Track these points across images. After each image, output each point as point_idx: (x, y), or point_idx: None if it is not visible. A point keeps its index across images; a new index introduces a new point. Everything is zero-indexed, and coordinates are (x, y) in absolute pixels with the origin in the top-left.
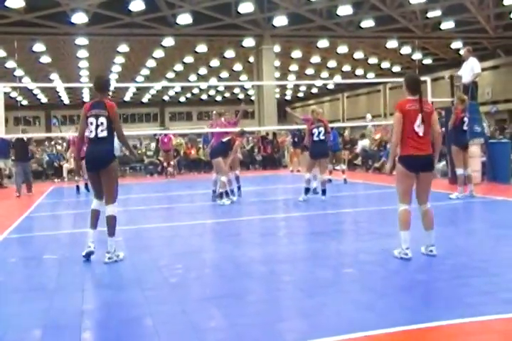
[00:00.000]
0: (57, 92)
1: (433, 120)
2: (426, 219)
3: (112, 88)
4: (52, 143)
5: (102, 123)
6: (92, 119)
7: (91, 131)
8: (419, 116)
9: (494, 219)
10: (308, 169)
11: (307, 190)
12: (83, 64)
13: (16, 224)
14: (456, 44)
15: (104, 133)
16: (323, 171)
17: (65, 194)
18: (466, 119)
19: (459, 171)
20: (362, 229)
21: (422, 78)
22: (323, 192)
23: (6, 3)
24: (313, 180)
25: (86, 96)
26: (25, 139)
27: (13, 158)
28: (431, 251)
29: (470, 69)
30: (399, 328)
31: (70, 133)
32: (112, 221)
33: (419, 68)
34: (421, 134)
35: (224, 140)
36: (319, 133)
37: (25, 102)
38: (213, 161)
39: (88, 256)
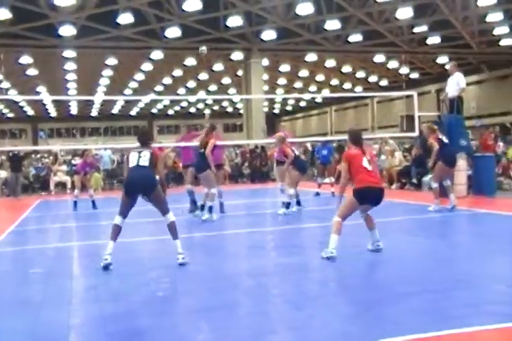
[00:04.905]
0: (45, 105)
1: (375, 161)
2: (368, 222)
3: (99, 101)
4: (39, 156)
5: (144, 156)
6: (134, 154)
7: (132, 162)
8: (364, 158)
9: (477, 232)
10: (295, 184)
11: (289, 205)
12: (71, 76)
13: (1, 238)
14: (442, 59)
15: (146, 163)
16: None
17: (52, 207)
18: (444, 139)
19: (433, 185)
20: (347, 242)
21: (409, 92)
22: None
23: None
24: (283, 194)
25: (74, 109)
26: (20, 153)
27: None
28: (378, 245)
29: (456, 83)
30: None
31: (58, 146)
32: (173, 226)
33: (406, 82)
34: (370, 169)
35: (201, 151)
36: (296, 150)
37: (11, 115)
38: (201, 176)
39: (106, 268)
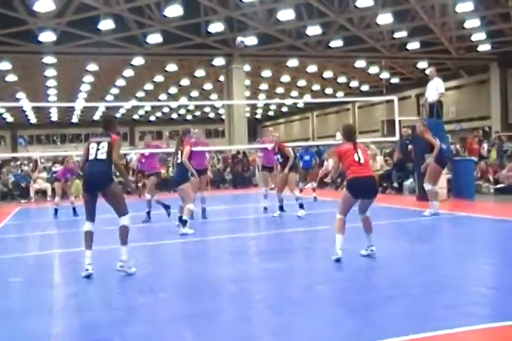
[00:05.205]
0: (24, 111)
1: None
2: (366, 224)
3: (80, 107)
4: (18, 163)
5: (103, 147)
6: (93, 145)
7: (91, 154)
8: (356, 153)
9: (458, 235)
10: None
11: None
12: (51, 83)
13: None
14: (422, 64)
15: (104, 156)
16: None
17: (32, 215)
18: (436, 139)
19: (428, 187)
20: (331, 246)
21: (390, 97)
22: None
23: None
24: (265, 199)
25: (54, 116)
26: None
27: None
28: (372, 250)
29: (435, 88)
30: None
31: (37, 153)
32: (124, 230)
33: (386, 87)
34: (362, 162)
35: (178, 161)
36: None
37: None
38: (178, 190)
39: (88, 278)
